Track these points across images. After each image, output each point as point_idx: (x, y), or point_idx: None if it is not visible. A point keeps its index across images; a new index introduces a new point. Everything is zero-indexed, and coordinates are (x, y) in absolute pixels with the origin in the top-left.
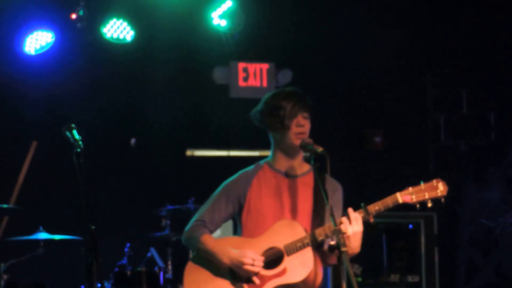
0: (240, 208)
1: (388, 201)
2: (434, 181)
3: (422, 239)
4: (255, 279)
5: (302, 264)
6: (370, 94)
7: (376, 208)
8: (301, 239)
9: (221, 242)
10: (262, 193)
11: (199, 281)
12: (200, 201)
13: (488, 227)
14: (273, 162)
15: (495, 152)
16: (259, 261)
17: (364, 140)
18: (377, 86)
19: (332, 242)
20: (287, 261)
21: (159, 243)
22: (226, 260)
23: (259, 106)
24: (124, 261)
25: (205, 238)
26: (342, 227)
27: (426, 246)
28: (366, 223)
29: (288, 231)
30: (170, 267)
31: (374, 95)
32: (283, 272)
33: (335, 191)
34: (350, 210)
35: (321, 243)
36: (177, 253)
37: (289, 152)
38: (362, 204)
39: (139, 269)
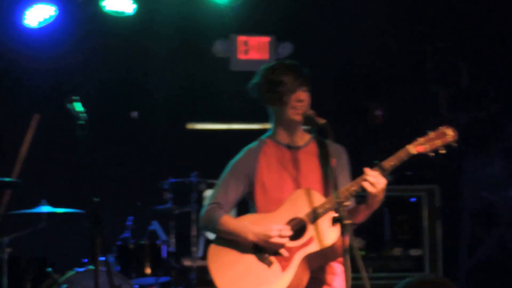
0: (251, 185)
1: (401, 154)
2: (441, 128)
3: (425, 213)
4: (283, 251)
5: (328, 229)
6: (370, 68)
7: (391, 163)
8: (321, 205)
9: (241, 220)
10: (271, 167)
11: (225, 264)
12: (203, 174)
13: (490, 200)
14: (275, 136)
15: (496, 124)
16: (286, 231)
17: (365, 113)
18: (377, 59)
19: (335, 215)
20: (312, 229)
21: (162, 216)
22: (251, 236)
23: (257, 79)
24: (127, 234)
25: (224, 219)
26: (367, 186)
27: (429, 219)
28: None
29: (305, 200)
30: (173, 240)
31: (375, 69)
32: (309, 241)
33: (340, 155)
34: (367, 169)
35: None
36: (180, 226)
37: (289, 126)
38: (375, 162)
39: (142, 242)
